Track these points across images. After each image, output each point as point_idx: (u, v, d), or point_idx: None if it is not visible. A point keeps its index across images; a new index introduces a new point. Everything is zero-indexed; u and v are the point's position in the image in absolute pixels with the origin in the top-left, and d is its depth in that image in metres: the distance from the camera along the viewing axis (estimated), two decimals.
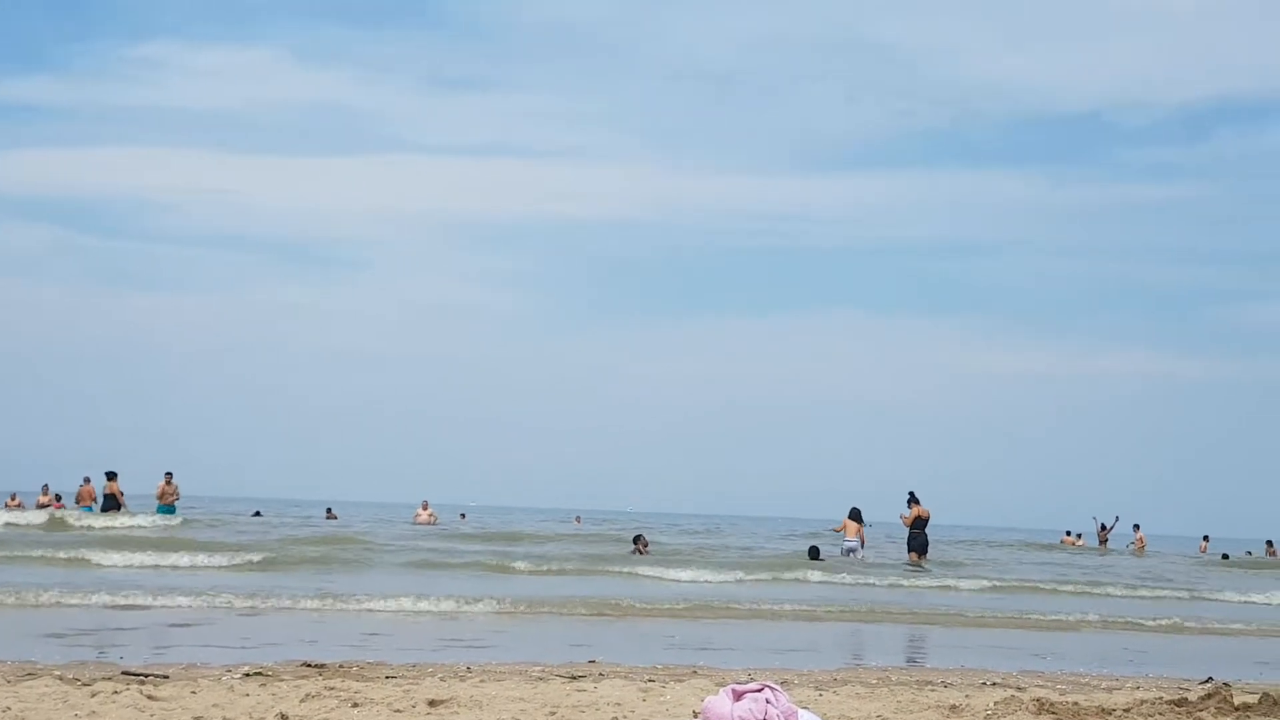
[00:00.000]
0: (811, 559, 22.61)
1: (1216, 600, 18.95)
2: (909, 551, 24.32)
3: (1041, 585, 19.31)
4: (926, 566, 23.05)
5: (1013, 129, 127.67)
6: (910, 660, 9.91)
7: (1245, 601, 18.91)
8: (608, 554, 22.00)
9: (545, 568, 18.72)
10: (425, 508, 36.41)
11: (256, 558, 17.69)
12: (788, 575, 18.91)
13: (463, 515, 52.10)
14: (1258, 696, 6.01)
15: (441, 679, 7.48)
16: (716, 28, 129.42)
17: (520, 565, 18.75)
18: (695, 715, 5.89)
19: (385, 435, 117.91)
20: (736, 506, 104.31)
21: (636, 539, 23.16)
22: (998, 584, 19.36)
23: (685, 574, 18.24)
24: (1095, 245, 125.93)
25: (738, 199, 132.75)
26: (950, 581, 19.41)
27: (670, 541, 29.43)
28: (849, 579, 18.77)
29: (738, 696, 5.60)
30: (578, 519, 53.85)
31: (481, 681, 7.38)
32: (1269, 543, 42.48)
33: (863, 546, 24.46)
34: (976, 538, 46.30)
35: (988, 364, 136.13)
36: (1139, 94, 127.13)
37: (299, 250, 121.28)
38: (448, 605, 12.53)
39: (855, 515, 24.24)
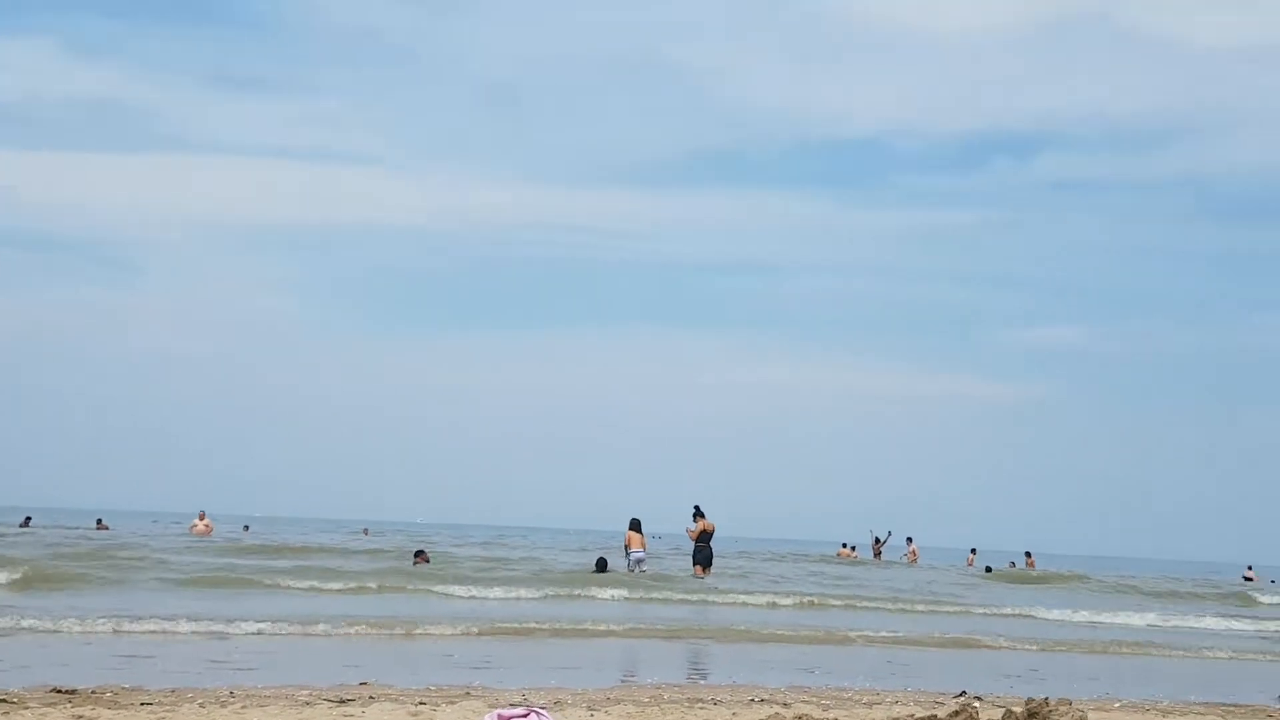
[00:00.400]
0: (598, 571, 22.76)
1: (982, 613, 19.84)
2: (694, 565, 24.67)
3: (818, 600, 19.82)
4: (710, 580, 23.45)
5: (798, 152, 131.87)
6: (687, 677, 10.05)
7: (1016, 614, 19.79)
8: (388, 569, 21.58)
9: (323, 584, 18.22)
10: (202, 518, 35.23)
11: (17, 574, 16.72)
12: (573, 590, 18.93)
13: (246, 527, 50.42)
14: (1002, 712, 6.31)
15: (201, 705, 7.21)
16: (514, 40, 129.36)
17: (293, 582, 18.15)
18: None
19: (161, 442, 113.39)
20: (527, 518, 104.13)
21: (418, 553, 22.89)
22: (776, 598, 19.80)
23: (468, 590, 18.06)
24: (875, 266, 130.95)
25: (529, 211, 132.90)
26: (733, 595, 19.77)
27: (458, 554, 29.17)
28: (633, 594, 18.92)
29: None
30: (365, 531, 52.79)
31: (244, 708, 7.14)
32: (1028, 554, 44.83)
33: (646, 555, 24.76)
34: (758, 550, 47.33)
35: (770, 379, 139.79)
36: (917, 122, 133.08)
37: (73, 249, 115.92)
38: (216, 625, 12.08)
39: (635, 526, 24.50)
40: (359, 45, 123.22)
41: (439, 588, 18.16)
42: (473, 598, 17.41)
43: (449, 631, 12.62)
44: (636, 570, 23.88)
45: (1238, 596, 30.69)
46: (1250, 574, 48.46)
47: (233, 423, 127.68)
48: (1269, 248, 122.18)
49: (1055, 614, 19.54)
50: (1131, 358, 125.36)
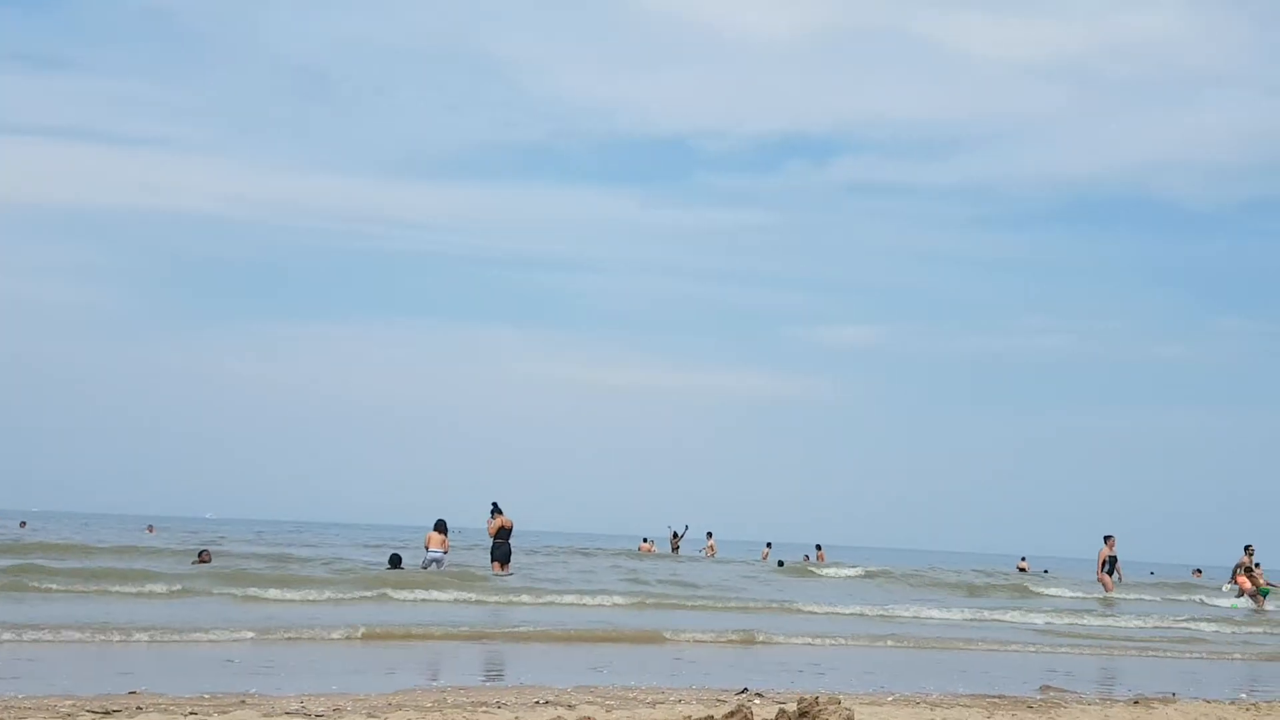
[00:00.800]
0: (391, 568, 22.46)
1: (774, 608, 20.28)
2: (492, 561, 24.59)
3: (622, 601, 19.80)
4: (510, 578, 23.39)
5: (607, 149, 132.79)
6: (476, 680, 9.97)
7: (803, 611, 20.26)
8: (173, 573, 20.66)
9: (108, 586, 17.39)
10: None
11: None
12: (365, 591, 18.58)
13: (23, 524, 47.94)
14: (776, 710, 6.46)
15: None
16: (318, 27, 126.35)
17: (57, 585, 17.14)
18: None
19: None
20: (322, 513, 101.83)
21: (200, 553, 22.16)
22: (576, 596, 19.80)
23: (253, 590, 17.52)
24: (678, 264, 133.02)
25: (330, 200, 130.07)
26: (530, 594, 19.71)
27: (245, 552, 28.35)
28: (427, 593, 18.69)
29: None
30: (150, 528, 50.85)
31: None
32: (818, 547, 46.26)
33: (445, 555, 24.59)
34: (560, 545, 47.50)
35: (571, 375, 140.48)
36: (720, 123, 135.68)
37: None
38: None
39: (440, 527, 24.37)
40: (151, 25, 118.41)
41: (220, 589, 17.57)
42: (258, 599, 16.90)
43: (229, 636, 12.21)
44: (432, 569, 23.66)
45: (1015, 588, 32.22)
46: (1023, 564, 51.09)
47: (5, 412, 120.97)
48: (1042, 254, 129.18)
49: (846, 609, 20.11)
50: (917, 357, 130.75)
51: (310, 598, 17.48)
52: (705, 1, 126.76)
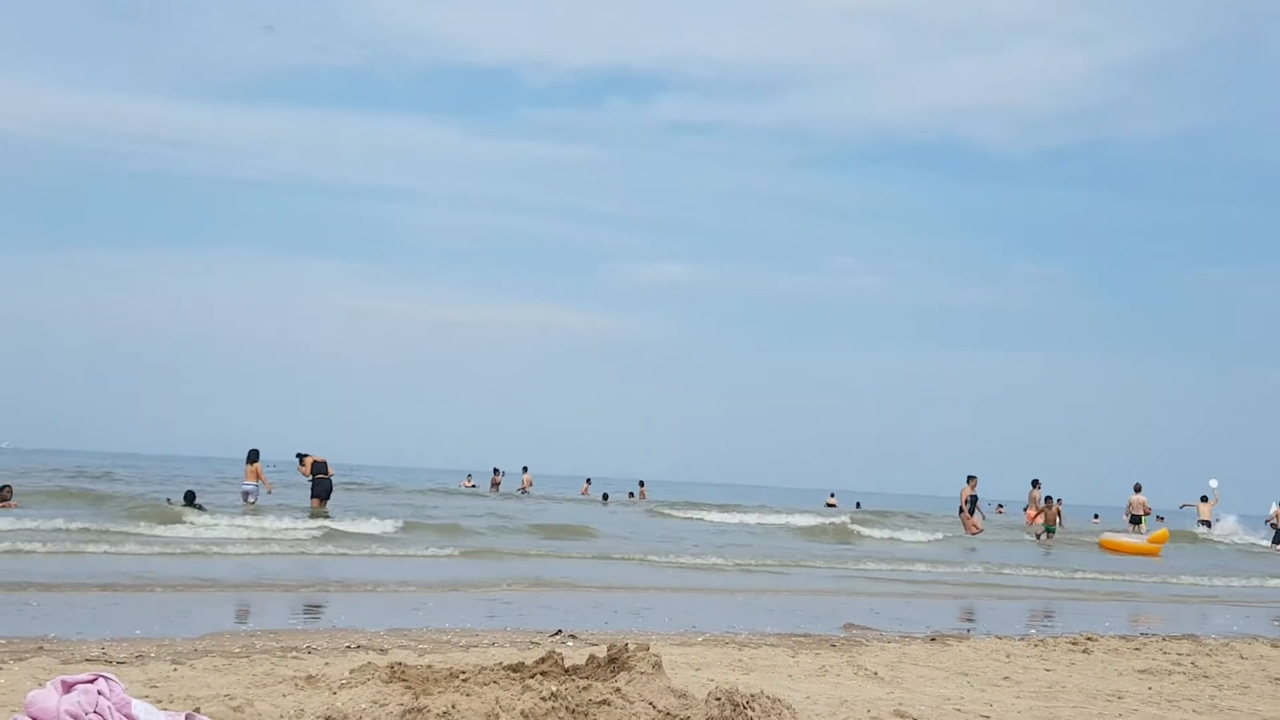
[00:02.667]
0: (187, 504, 21.73)
1: (598, 550, 20.45)
2: (312, 498, 24.22)
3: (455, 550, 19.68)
4: (328, 512, 23.10)
5: (428, 77, 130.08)
6: (282, 624, 9.81)
7: (631, 557, 20.42)
8: None
9: None
10: None
11: None
12: (161, 529, 18.02)
13: None
14: (585, 657, 6.55)
15: None
16: None
17: None
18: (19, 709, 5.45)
19: None
20: (126, 446, 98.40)
21: (1, 489, 21.17)
22: (395, 532, 19.65)
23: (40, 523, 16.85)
24: (500, 198, 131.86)
25: (132, 122, 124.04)
26: (355, 528, 19.40)
27: (47, 486, 27.26)
28: (230, 530, 18.28)
29: (67, 688, 5.24)
30: None
31: None
32: (640, 484, 46.94)
33: (268, 490, 24.19)
34: (388, 480, 46.97)
35: (385, 308, 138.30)
36: (543, 54, 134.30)
37: None
38: None
39: (252, 457, 23.87)
40: None
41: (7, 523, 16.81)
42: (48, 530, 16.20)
43: (22, 578, 11.71)
44: (245, 502, 23.23)
45: (838, 530, 33.13)
46: (832, 500, 52.77)
47: None
48: (856, 197, 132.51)
49: (665, 553, 20.36)
50: (735, 296, 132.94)
51: (82, 527, 16.92)
52: None
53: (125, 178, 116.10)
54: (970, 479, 29.07)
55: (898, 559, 20.93)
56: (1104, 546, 27.49)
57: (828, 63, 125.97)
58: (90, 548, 15.00)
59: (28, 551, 14.10)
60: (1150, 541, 27.58)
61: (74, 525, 17.16)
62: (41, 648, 7.60)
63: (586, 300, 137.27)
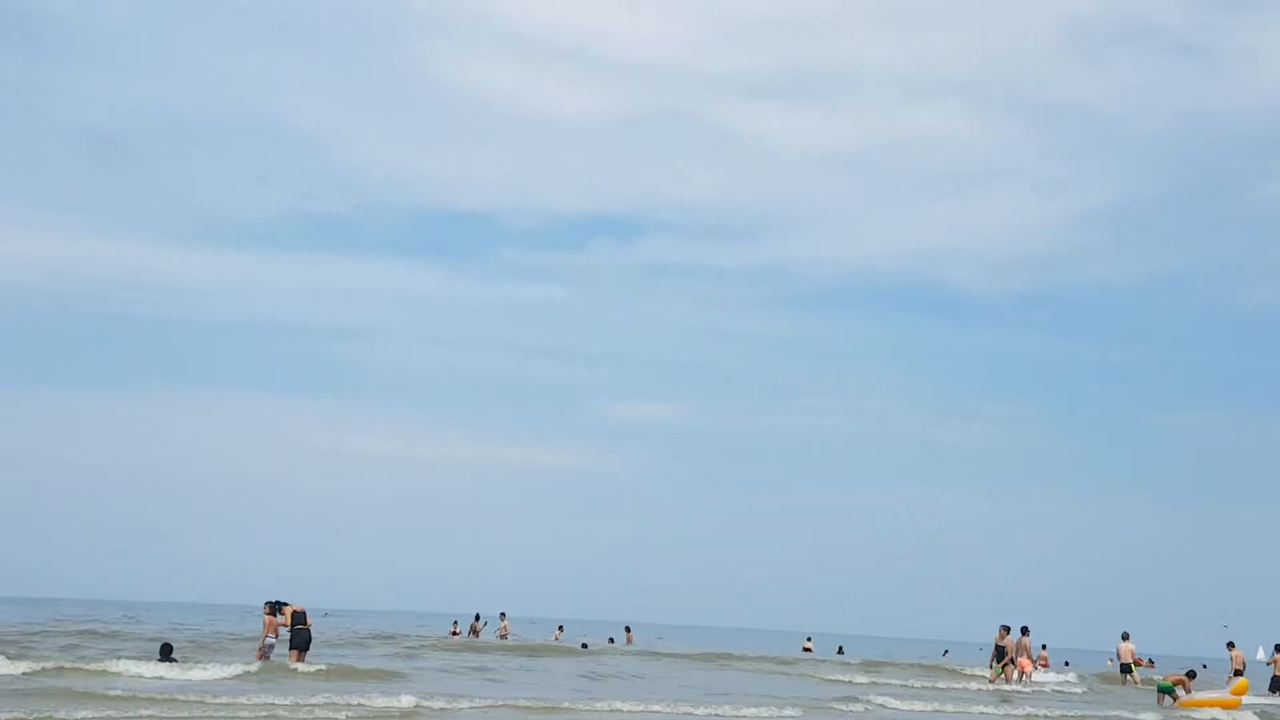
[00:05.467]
0: (162, 659, 21.44)
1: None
2: (290, 649, 23.79)
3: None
4: (304, 663, 22.72)
5: (411, 222, 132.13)
6: None
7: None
8: None
9: None
10: None
11: None
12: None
13: None
14: None
15: None
16: (111, 92, 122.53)
17: None
18: None
19: None
20: (91, 589, 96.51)
21: None
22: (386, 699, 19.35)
23: None
24: (480, 338, 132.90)
25: (113, 265, 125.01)
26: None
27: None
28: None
29: None
30: None
31: None
32: (627, 629, 46.37)
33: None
34: (363, 627, 46.27)
35: (367, 448, 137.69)
36: (525, 200, 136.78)
37: None
38: None
39: (273, 609, 23.69)
40: None
41: None
42: None
43: None
44: (264, 657, 23.31)
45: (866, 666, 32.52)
46: (809, 645, 51.97)
47: None
48: (827, 337, 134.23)
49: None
50: (709, 434, 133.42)
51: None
52: (509, 82, 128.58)
53: (104, 320, 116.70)
54: (1002, 629, 28.13)
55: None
56: (1185, 707, 24.74)
57: (799, 206, 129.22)
58: None
59: None
60: (1233, 693, 26.00)
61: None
62: None
63: (566, 439, 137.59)
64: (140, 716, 13.60)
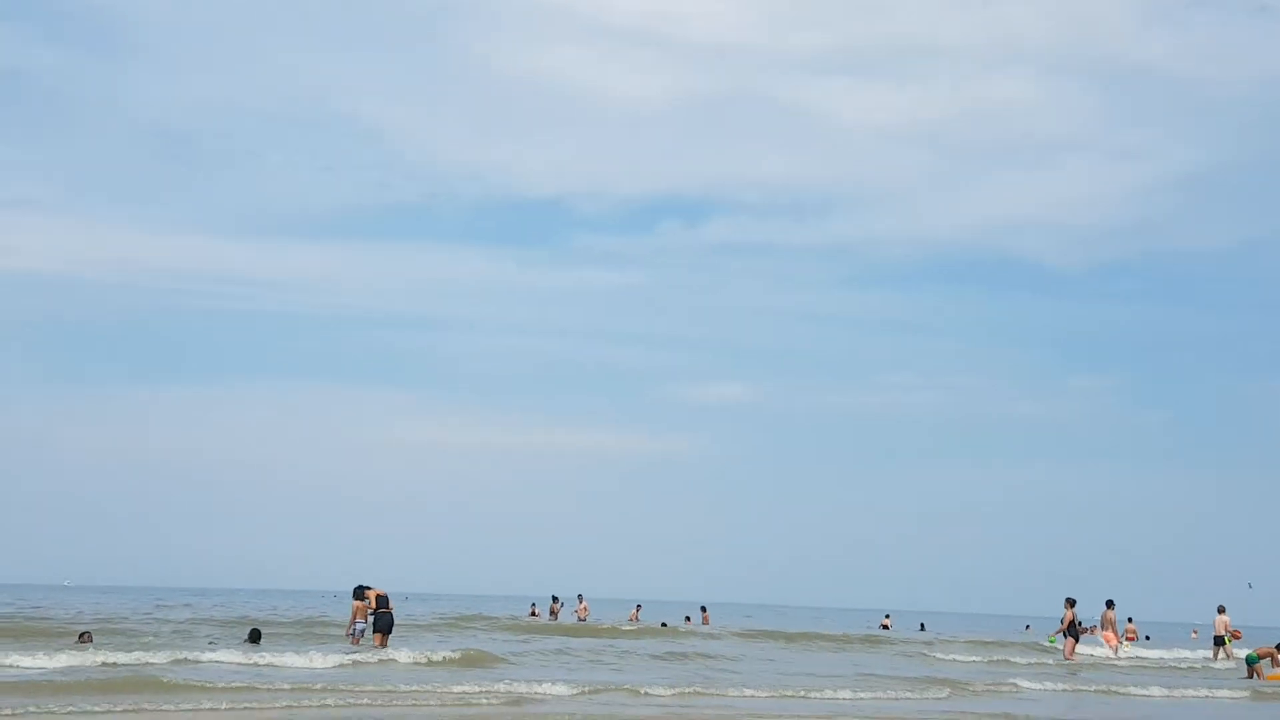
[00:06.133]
0: (251, 641, 21.83)
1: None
2: (375, 633, 24.02)
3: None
4: (389, 647, 22.86)
5: (482, 210, 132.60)
6: None
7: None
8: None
9: None
10: None
11: None
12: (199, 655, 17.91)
13: None
14: None
15: None
16: (183, 89, 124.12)
17: None
18: None
19: None
20: (186, 579, 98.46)
21: (82, 635, 21.21)
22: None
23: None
24: (553, 324, 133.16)
25: (197, 260, 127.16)
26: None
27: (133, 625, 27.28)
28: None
29: None
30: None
31: None
32: (703, 609, 46.18)
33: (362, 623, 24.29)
34: (447, 609, 46.56)
35: (445, 437, 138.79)
36: (596, 184, 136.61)
37: None
38: None
39: (359, 593, 24.10)
40: (8, 86, 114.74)
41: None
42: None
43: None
44: (353, 639, 23.77)
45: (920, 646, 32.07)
46: (887, 622, 51.63)
47: None
48: (907, 313, 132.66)
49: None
50: (788, 414, 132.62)
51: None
52: (577, 67, 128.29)
53: (190, 315, 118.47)
54: (1069, 602, 27.86)
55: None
56: (1273, 680, 24.10)
57: (872, 182, 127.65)
58: None
59: None
60: None
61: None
62: None
63: (640, 423, 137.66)
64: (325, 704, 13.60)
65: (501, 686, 16.00)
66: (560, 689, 16.03)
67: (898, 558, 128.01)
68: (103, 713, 12.46)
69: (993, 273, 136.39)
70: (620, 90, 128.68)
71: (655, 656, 24.75)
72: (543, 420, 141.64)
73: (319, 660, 18.99)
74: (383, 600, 24.17)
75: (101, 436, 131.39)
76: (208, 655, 18.92)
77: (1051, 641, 28.79)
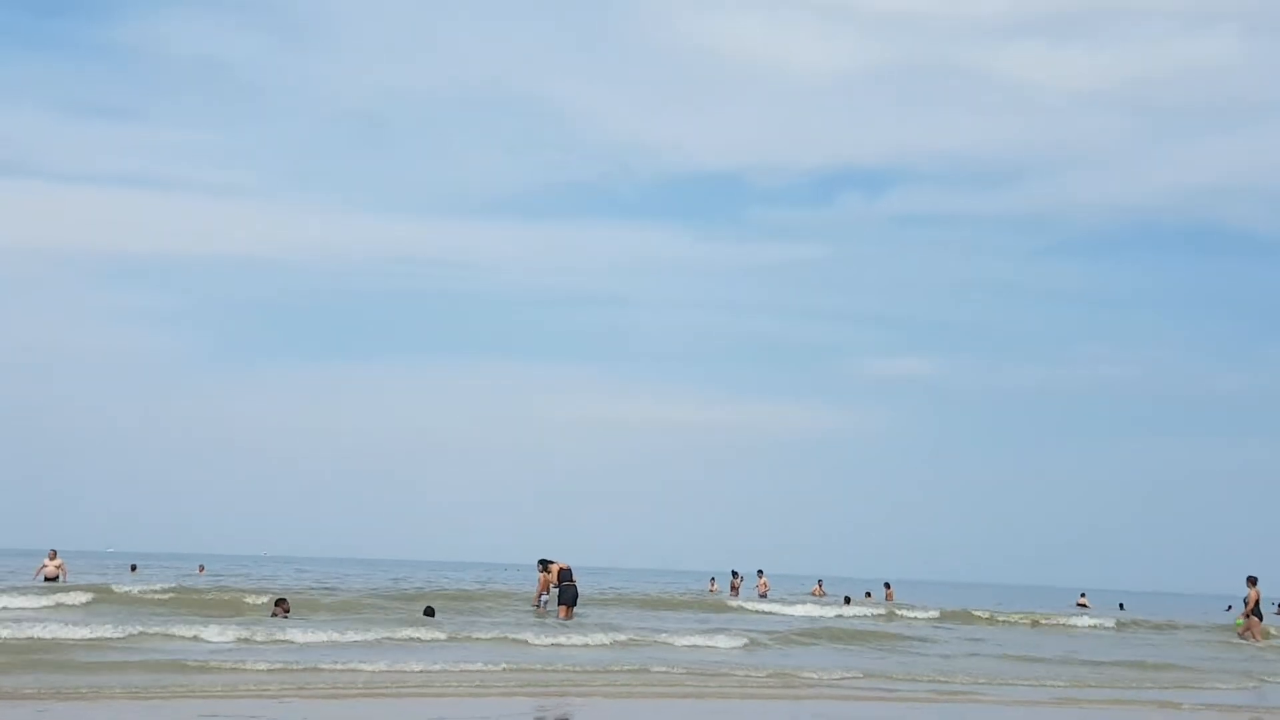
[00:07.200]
0: (426, 615, 21.89)
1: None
2: (559, 605, 24.10)
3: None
4: (573, 620, 22.89)
5: (658, 186, 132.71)
6: None
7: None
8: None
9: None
10: (53, 557, 32.30)
11: None
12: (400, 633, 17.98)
13: (133, 567, 47.91)
14: None
15: None
16: (371, 73, 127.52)
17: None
18: None
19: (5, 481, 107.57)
20: (375, 550, 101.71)
21: (278, 602, 21.56)
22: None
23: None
24: (732, 299, 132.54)
25: (387, 242, 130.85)
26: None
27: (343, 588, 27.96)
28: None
29: None
30: (201, 568, 50.71)
31: None
32: (887, 585, 45.18)
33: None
34: (626, 586, 46.63)
35: (623, 413, 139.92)
36: (773, 158, 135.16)
37: None
38: None
39: (543, 566, 24.57)
40: (206, 76, 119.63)
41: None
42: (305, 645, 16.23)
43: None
44: (540, 608, 24.62)
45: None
46: (1083, 600, 49.81)
47: (74, 455, 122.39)
48: (1101, 283, 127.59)
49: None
50: (973, 388, 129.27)
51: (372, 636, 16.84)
52: (754, 40, 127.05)
53: (380, 296, 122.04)
54: (1251, 580, 26.11)
55: None
56: None
57: (1063, 148, 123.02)
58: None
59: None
60: None
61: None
62: None
63: (820, 397, 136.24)
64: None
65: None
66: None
67: (1093, 534, 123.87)
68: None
69: (1195, 239, 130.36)
70: (800, 61, 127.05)
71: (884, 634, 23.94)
72: (723, 395, 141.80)
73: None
74: (565, 574, 24.26)
75: (290, 412, 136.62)
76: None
77: (1239, 625, 27.03)
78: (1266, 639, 26.56)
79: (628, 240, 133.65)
